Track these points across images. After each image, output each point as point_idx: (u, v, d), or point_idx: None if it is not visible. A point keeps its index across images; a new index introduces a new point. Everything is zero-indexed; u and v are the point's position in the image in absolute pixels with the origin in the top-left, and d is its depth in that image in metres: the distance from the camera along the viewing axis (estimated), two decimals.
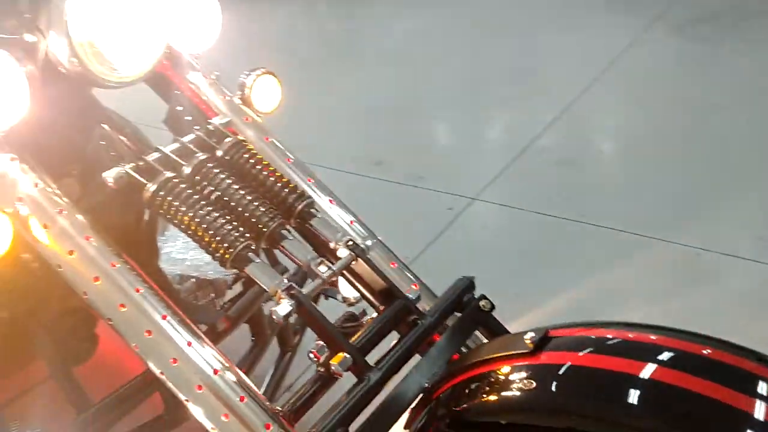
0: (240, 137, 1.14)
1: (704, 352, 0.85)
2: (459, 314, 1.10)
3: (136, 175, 1.01)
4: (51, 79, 1.02)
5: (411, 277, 1.18)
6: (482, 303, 1.10)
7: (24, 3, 0.98)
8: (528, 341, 0.93)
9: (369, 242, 1.11)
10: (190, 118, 1.21)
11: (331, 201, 1.22)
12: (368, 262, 1.07)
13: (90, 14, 0.96)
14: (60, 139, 1.11)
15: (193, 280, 1.45)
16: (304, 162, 1.25)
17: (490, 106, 3.54)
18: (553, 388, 0.88)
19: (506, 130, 3.49)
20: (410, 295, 1.09)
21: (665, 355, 0.86)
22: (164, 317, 0.97)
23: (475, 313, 1.10)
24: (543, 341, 0.93)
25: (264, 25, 4.91)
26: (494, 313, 1.11)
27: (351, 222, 1.22)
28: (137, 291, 0.97)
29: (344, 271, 1.06)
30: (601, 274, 2.30)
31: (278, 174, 1.10)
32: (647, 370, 0.84)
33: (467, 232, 2.64)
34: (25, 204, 0.99)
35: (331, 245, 1.07)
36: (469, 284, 1.13)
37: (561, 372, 0.89)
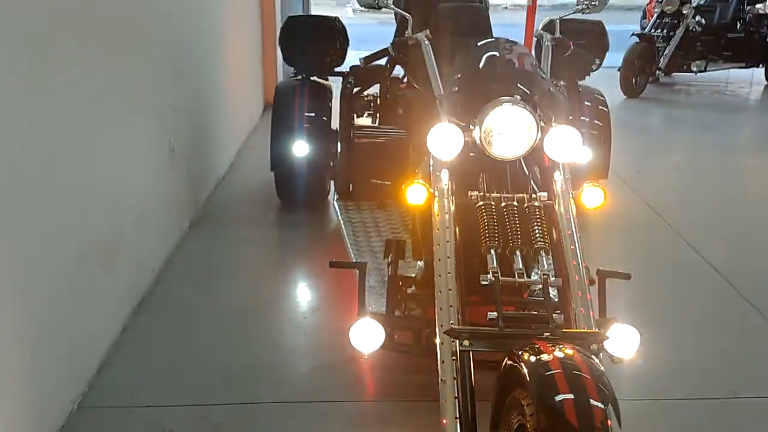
0: (538, 205, 2.14)
1: None
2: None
3: (477, 199, 2.17)
4: (473, 144, 2.23)
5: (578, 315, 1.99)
6: (615, 358, 1.88)
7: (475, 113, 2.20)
8: None
9: (557, 281, 1.99)
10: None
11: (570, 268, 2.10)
12: (546, 291, 1.97)
13: (491, 127, 2.13)
14: (468, 169, 2.31)
15: None
16: (578, 234, 2.15)
17: None
18: None
19: None
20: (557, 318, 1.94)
21: None
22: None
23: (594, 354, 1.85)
24: None
25: None
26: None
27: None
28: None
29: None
30: None
31: (544, 228, 2.08)
32: None
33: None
34: (437, 190, 2.25)
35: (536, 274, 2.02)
36: (603, 334, 1.87)
37: None
